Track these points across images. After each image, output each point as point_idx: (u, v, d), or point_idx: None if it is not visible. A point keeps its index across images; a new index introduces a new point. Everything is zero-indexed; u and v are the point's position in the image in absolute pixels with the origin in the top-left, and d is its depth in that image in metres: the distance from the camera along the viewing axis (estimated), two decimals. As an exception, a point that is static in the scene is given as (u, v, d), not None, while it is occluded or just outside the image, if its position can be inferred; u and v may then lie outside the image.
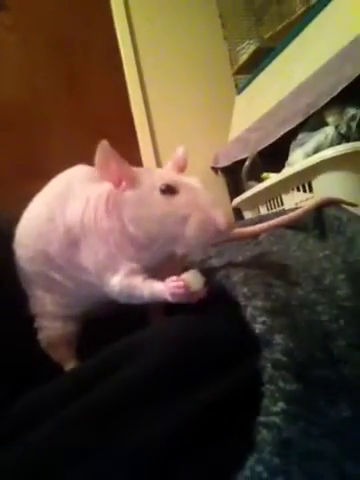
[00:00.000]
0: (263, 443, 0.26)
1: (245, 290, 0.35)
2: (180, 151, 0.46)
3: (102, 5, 2.04)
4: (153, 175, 0.42)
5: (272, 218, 0.63)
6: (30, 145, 1.84)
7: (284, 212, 0.66)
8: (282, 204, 1.38)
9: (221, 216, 0.37)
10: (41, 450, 0.29)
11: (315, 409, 0.28)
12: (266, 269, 0.41)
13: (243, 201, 1.60)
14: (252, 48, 1.89)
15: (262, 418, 0.27)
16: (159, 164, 1.97)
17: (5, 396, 0.38)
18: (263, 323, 0.31)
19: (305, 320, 0.33)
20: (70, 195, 0.46)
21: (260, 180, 1.55)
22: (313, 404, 0.28)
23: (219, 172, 2.05)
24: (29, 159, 1.81)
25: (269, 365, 0.29)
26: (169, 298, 0.38)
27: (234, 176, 1.92)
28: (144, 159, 1.97)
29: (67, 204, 0.46)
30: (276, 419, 0.26)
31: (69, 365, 0.48)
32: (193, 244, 0.39)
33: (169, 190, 0.39)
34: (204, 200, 0.39)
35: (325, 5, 1.46)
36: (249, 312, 0.33)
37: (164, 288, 0.38)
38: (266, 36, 1.82)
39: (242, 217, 1.67)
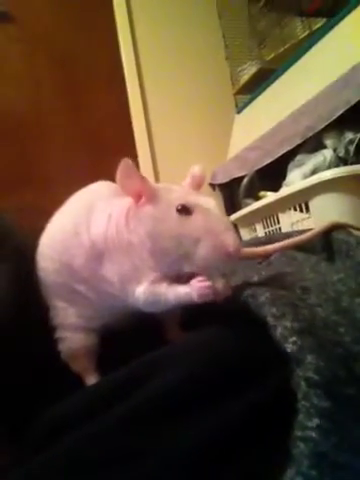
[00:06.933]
0: (301, 456, 0.28)
1: (274, 310, 0.37)
2: (197, 169, 0.49)
3: (106, 21, 2.08)
4: (171, 193, 0.44)
5: (281, 239, 0.65)
6: (30, 156, 1.86)
7: (293, 234, 0.68)
8: (278, 223, 1.40)
9: (231, 240, 0.40)
10: (88, 450, 0.31)
11: (343, 425, 0.30)
12: (289, 290, 0.43)
13: (239, 218, 1.62)
14: (254, 69, 1.94)
15: (299, 433, 0.29)
16: (157, 179, 2.00)
17: (30, 404, 0.40)
18: (294, 343, 0.33)
19: (329, 340, 0.35)
20: (94, 210, 0.48)
21: (257, 198, 1.57)
22: (341, 420, 0.30)
23: (216, 188, 2.08)
24: (28, 170, 1.82)
25: (303, 383, 0.31)
26: (196, 298, 0.39)
27: (231, 193, 1.95)
28: (143, 173, 1.98)
29: (91, 219, 0.47)
30: (312, 434, 0.28)
31: (89, 376, 0.49)
32: (203, 265, 0.40)
33: (185, 210, 0.42)
34: (216, 224, 0.41)
35: (327, 31, 1.51)
36: (279, 332, 0.35)
37: (190, 289, 0.40)
38: (268, 58, 1.87)
39: (238, 234, 1.69)
